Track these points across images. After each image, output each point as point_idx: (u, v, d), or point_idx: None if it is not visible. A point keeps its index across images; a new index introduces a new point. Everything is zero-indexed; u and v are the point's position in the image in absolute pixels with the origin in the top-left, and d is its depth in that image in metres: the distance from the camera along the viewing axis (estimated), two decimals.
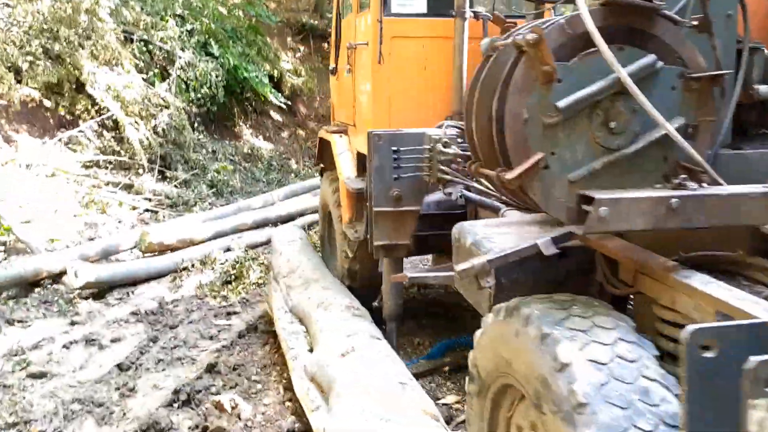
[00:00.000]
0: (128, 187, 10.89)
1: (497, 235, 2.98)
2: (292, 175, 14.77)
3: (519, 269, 2.79)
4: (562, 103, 2.04)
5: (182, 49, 13.08)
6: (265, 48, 15.60)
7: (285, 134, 16.77)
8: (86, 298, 7.00)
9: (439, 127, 4.19)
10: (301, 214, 10.62)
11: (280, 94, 15.06)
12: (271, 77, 15.04)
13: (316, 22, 19.61)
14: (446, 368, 4.67)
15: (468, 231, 3.04)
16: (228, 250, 8.85)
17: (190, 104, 12.77)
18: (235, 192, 12.59)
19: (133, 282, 7.55)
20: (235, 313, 6.70)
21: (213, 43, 13.85)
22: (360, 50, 4.89)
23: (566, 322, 2.08)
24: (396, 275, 4.10)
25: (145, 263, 7.81)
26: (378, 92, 4.56)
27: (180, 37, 13.20)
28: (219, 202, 11.59)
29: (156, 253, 8.40)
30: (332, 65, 6.24)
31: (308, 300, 4.62)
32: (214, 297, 7.24)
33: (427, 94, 4.65)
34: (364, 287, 5.16)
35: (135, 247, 8.47)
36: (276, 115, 17.00)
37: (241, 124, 15.33)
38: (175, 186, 11.55)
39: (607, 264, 2.61)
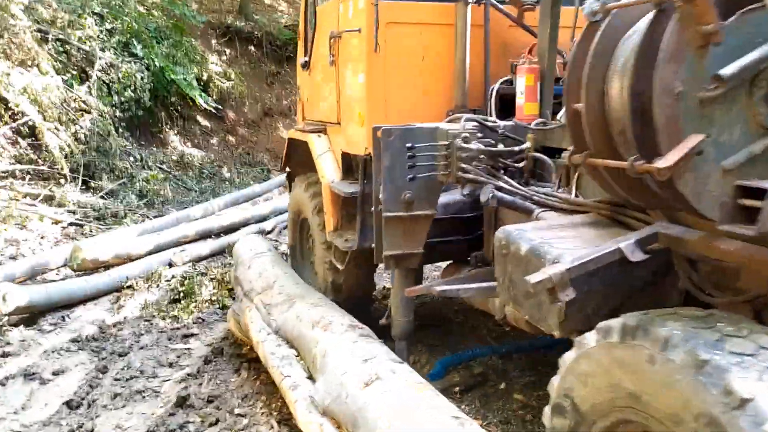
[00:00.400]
0: (49, 199, 9.91)
1: (556, 240, 2.61)
2: (226, 183, 14.00)
3: (592, 278, 2.43)
4: (726, 71, 1.67)
5: (102, 50, 12.15)
6: (191, 50, 14.74)
7: (214, 141, 15.93)
8: (16, 325, 6.14)
9: (451, 120, 3.79)
10: (245, 224, 9.97)
11: (209, 98, 14.25)
12: (198, 81, 14.23)
13: (242, 24, 18.83)
14: (456, 389, 4.25)
15: (519, 236, 2.66)
16: (171, 265, 8.12)
17: (113, 108, 11.80)
18: (168, 202, 11.74)
19: (68, 305, 6.71)
20: (192, 335, 6.04)
21: (136, 43, 12.93)
22: (347, 39, 4.41)
23: (724, 345, 1.70)
24: (412, 288, 3.66)
25: (83, 282, 6.99)
26: (373, 84, 4.10)
27: (99, 36, 12.26)
28: (151, 213, 10.74)
29: (90, 271, 7.57)
30: (303, 59, 5.71)
31: (297, 319, 4.09)
32: (164, 318, 6.54)
33: (426, 85, 4.23)
34: (350, 302, 4.66)
35: (66, 264, 7.60)
36: (204, 121, 16.14)
37: (167, 130, 14.41)
38: (102, 197, 10.61)
39: (696, 267, 2.29)
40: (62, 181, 10.27)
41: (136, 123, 12.99)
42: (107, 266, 7.75)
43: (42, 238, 8.86)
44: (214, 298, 6.89)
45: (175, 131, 14.88)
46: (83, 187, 10.59)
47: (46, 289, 6.48)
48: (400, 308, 3.92)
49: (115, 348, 5.77)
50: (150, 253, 8.30)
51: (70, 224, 9.57)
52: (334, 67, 4.66)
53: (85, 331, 6.19)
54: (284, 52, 19.43)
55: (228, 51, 18.42)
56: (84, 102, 11.06)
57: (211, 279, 7.25)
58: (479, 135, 3.45)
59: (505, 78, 4.15)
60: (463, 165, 3.34)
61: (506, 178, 3.35)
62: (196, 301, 6.81)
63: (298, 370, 3.79)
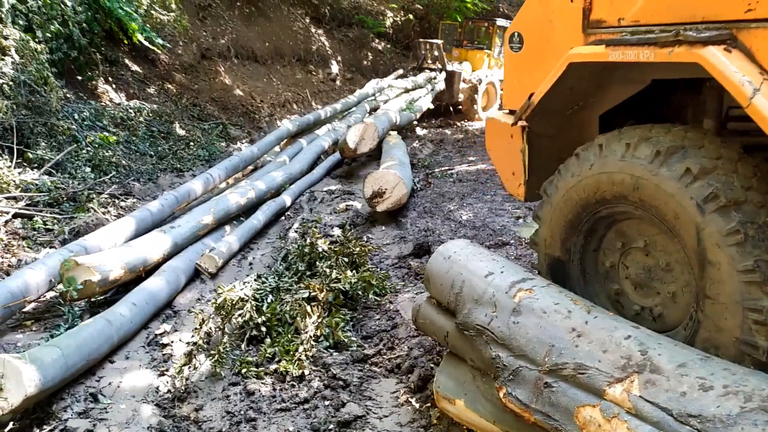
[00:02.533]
0: None
1: None
2: (181, 143, 11.04)
3: None
4: None
5: None
6: None
7: (152, 90, 12.73)
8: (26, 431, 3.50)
9: None
10: (276, 193, 7.46)
11: (154, 35, 11.09)
12: None
13: None
14: None
15: None
16: (198, 272, 5.54)
17: (39, 46, 8.54)
18: (130, 173, 8.81)
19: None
20: (316, 398, 3.66)
21: None
22: None
23: None
24: None
25: (105, 324, 4.29)
26: None
27: None
28: (115, 190, 7.85)
29: (96, 297, 4.88)
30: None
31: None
32: (259, 375, 4.11)
33: None
34: None
35: (54, 289, 4.85)
36: (133, 65, 12.86)
37: (97, 76, 11.11)
38: (48, 172, 7.56)
39: None
40: None
41: (70, 68, 9.72)
42: (120, 286, 5.09)
43: None
44: (321, 331, 4.46)
45: (103, 78, 11.58)
46: (19, 160, 7.48)
47: (59, 353, 3.77)
48: None
49: None
50: (168, 257, 5.65)
51: (15, 216, 6.59)
52: None
53: (140, 420, 3.65)
54: None
55: None
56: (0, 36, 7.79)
57: (306, 298, 4.75)
58: None
59: None
60: None
61: None
62: (294, 339, 4.37)
63: None
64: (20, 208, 6.71)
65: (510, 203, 7.93)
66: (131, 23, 10.33)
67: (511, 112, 3.62)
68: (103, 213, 7.22)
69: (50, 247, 6.22)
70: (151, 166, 9.60)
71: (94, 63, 10.56)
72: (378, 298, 5.06)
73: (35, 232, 6.50)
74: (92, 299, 4.96)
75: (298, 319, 4.51)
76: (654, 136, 2.69)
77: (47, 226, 6.67)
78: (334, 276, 4.92)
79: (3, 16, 8.22)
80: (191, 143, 10.97)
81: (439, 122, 17.58)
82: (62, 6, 9.00)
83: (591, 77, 3.01)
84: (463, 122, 18.01)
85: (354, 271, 5.14)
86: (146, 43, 11.07)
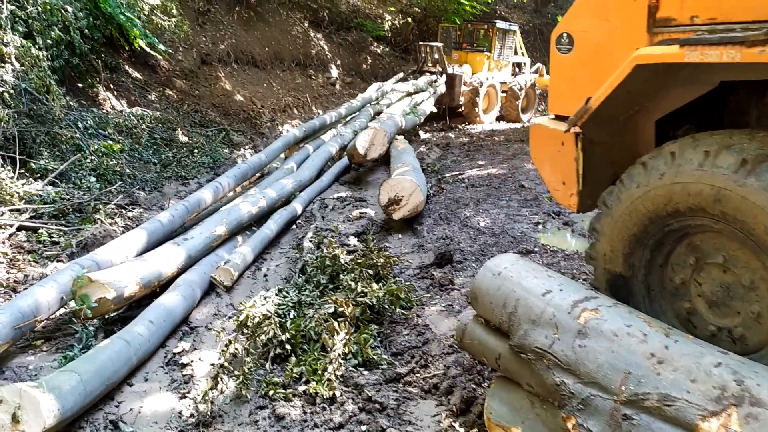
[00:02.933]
0: None
1: None
2: (185, 150, 10.80)
3: None
4: None
5: None
6: None
7: (152, 96, 12.48)
8: None
9: None
10: (286, 201, 7.24)
11: (155, 40, 10.86)
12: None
13: None
14: None
15: None
16: (212, 285, 5.31)
17: (40, 53, 8.30)
18: (134, 182, 8.58)
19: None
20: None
21: None
22: None
23: None
24: None
25: (123, 346, 4.06)
26: None
27: None
28: (121, 200, 7.62)
29: (111, 314, 4.66)
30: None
31: None
32: (287, 397, 3.88)
33: None
34: None
35: (66, 306, 4.62)
36: (133, 72, 12.62)
37: (97, 83, 10.86)
38: (52, 182, 7.33)
39: None
40: None
41: (70, 74, 9.48)
42: (135, 302, 4.87)
43: None
44: (349, 348, 4.25)
45: (104, 85, 11.33)
46: (21, 171, 7.24)
47: (78, 379, 3.54)
48: None
49: None
50: (182, 270, 5.43)
51: (19, 229, 6.35)
52: None
53: None
54: None
55: None
56: (0, 41, 7.55)
57: (332, 313, 4.53)
58: None
59: None
60: None
61: None
62: (321, 357, 4.15)
63: None
64: (24, 221, 6.48)
65: (527, 209, 7.74)
66: (133, 29, 10.10)
67: (559, 118, 3.42)
68: (110, 224, 6.99)
69: (57, 261, 5.99)
70: (156, 175, 9.37)
71: (94, 70, 10.32)
72: (405, 312, 4.85)
73: (41, 246, 6.27)
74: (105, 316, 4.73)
75: (325, 336, 4.29)
76: (737, 143, 2.49)
77: (53, 239, 6.43)
78: (359, 289, 4.70)
79: (2, 22, 7.98)
80: (195, 150, 10.72)
81: (441, 125, 17.41)
82: (63, 12, 8.77)
83: (653, 79, 2.81)
84: (464, 125, 17.84)
85: (379, 283, 4.93)
86: (148, 49, 10.85)
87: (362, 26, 20.39)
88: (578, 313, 2.65)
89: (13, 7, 8.26)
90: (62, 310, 4.87)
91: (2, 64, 7.56)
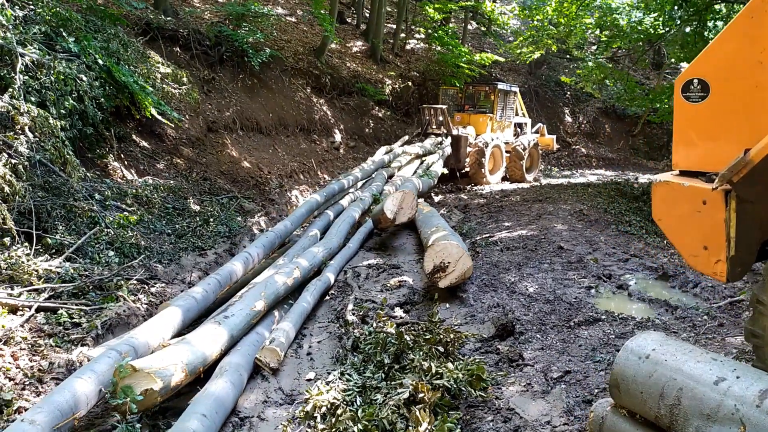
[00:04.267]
0: None
1: None
2: (198, 219, 10.38)
3: None
4: None
5: (22, 44, 8.29)
6: (129, 45, 11.00)
7: (161, 165, 12.14)
8: None
9: None
10: (317, 271, 6.79)
11: (167, 108, 10.59)
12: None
13: (164, 19, 15.16)
14: None
15: None
16: (258, 368, 4.81)
17: (55, 123, 7.96)
18: (150, 255, 8.11)
19: None
20: None
21: (65, 34, 9.12)
22: None
23: None
24: None
25: None
26: None
27: (17, 26, 8.43)
28: (141, 274, 7.14)
29: (153, 409, 4.14)
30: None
31: None
32: None
33: None
34: None
35: (105, 400, 4.09)
36: (141, 141, 12.31)
37: (107, 153, 10.52)
38: (68, 258, 6.86)
39: None
40: (6, 240, 6.42)
41: (84, 144, 9.15)
42: (177, 393, 4.36)
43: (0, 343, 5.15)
44: None
45: (114, 155, 10.98)
46: (38, 247, 6.78)
47: None
48: None
49: None
50: (225, 351, 4.94)
51: (38, 310, 5.85)
52: None
53: None
54: (216, 55, 15.98)
55: (150, 54, 14.57)
56: (16, 110, 7.21)
57: (407, 399, 4.03)
58: None
59: None
60: None
61: None
62: None
63: None
64: (43, 301, 5.99)
65: (573, 272, 7.34)
66: (147, 98, 9.83)
67: (686, 173, 3.06)
68: (134, 301, 6.51)
69: (82, 345, 5.48)
70: (171, 246, 8.92)
71: (104, 140, 9.98)
72: (483, 394, 4.36)
73: (61, 328, 5.76)
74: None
75: (400, 425, 3.79)
76: None
77: (74, 320, 5.94)
78: (434, 370, 4.22)
79: (16, 92, 7.67)
80: (211, 219, 10.30)
81: (450, 187, 17.19)
82: (77, 81, 8.49)
83: None
84: (471, 186, 17.65)
85: (454, 362, 4.45)
86: (160, 117, 10.57)
87: (364, 91, 20.41)
88: None
89: (26, 78, 7.99)
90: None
91: (17, 136, 7.21)
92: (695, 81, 2.98)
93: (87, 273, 6.73)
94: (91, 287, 6.53)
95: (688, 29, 17.54)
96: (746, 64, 2.78)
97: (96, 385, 4.10)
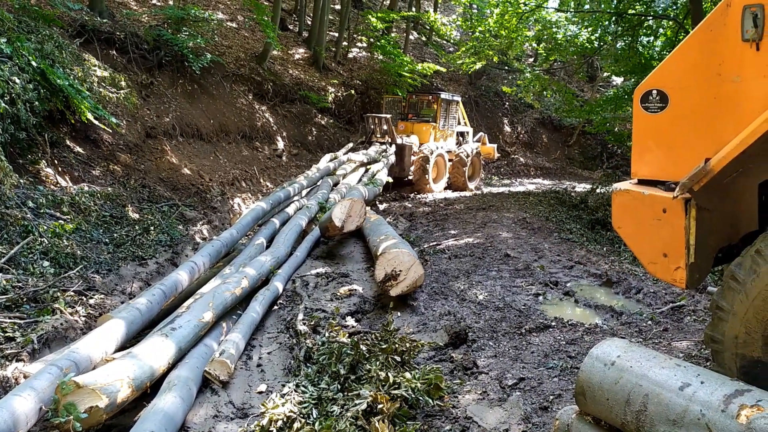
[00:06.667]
0: None
1: None
2: (140, 228, 10.02)
3: None
4: None
5: None
6: (64, 47, 10.57)
7: (97, 172, 11.68)
8: None
9: None
10: (265, 280, 6.64)
11: (105, 111, 10.21)
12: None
13: (99, 21, 14.68)
14: None
15: None
16: (223, 382, 4.65)
17: None
18: (88, 265, 7.76)
19: None
20: None
21: None
22: None
23: None
24: None
25: None
26: None
27: None
28: (79, 286, 6.83)
29: (97, 427, 3.93)
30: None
31: None
32: None
33: None
34: None
35: (57, 422, 3.85)
36: (75, 146, 11.82)
37: (39, 159, 10.05)
38: (0, 269, 6.49)
39: None
40: None
41: (15, 150, 8.70)
42: (122, 410, 4.16)
43: None
44: None
45: (47, 160, 10.51)
46: None
47: None
48: None
49: None
50: (172, 365, 4.76)
51: None
52: None
53: None
54: (155, 59, 15.58)
55: (86, 57, 14.06)
56: None
57: (364, 411, 3.96)
58: None
59: None
60: None
61: None
62: None
63: None
64: None
65: (520, 279, 7.43)
66: (83, 101, 9.45)
67: (645, 182, 3.11)
68: (71, 314, 6.21)
69: (17, 360, 5.17)
70: (109, 255, 8.57)
71: (36, 144, 9.54)
72: (440, 403, 4.33)
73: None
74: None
75: None
76: None
77: (7, 334, 5.61)
78: (392, 380, 4.17)
79: None
80: (151, 228, 9.97)
81: (394, 195, 17.22)
82: (9, 83, 8.09)
83: None
84: (414, 195, 17.75)
85: (411, 372, 4.41)
86: (97, 122, 10.17)
87: (306, 98, 20.27)
88: (735, 410, 2.26)
89: None
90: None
91: None
92: (654, 92, 3.05)
93: (20, 284, 6.38)
94: (25, 299, 6.19)
95: (621, 44, 18.19)
96: (705, 76, 2.86)
97: (36, 403, 3.86)
